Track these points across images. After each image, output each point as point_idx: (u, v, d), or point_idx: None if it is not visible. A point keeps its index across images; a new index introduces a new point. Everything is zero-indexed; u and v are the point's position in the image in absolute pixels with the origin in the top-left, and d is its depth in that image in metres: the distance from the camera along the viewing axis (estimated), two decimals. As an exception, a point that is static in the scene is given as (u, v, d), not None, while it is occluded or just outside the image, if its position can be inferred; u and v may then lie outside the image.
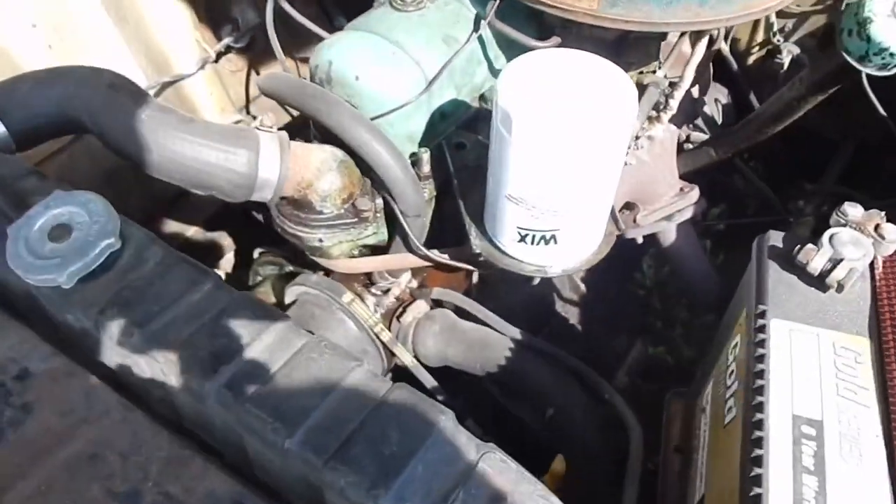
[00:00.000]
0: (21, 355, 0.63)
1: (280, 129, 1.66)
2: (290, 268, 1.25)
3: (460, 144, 0.99)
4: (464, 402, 1.07)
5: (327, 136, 0.94)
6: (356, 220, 0.92)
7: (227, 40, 1.48)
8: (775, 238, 0.69)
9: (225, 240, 1.66)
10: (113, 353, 0.63)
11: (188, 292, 0.64)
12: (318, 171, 0.88)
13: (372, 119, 0.91)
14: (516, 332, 0.99)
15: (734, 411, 0.64)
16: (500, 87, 0.72)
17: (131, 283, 0.64)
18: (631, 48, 1.04)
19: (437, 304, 1.10)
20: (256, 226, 1.34)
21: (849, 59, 0.90)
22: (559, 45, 0.97)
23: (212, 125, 0.85)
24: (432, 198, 0.98)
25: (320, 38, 1.58)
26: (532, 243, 0.81)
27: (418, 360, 1.05)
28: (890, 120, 1.17)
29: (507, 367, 0.96)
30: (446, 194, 0.99)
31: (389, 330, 1.05)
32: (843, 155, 1.31)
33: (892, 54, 0.87)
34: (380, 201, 0.94)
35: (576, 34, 0.98)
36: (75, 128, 0.83)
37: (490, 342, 0.99)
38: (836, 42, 0.93)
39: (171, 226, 1.52)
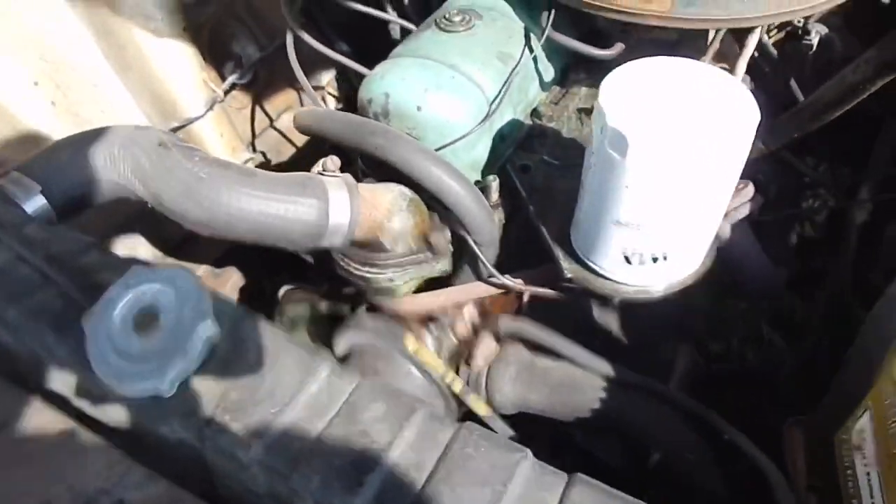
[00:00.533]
0: (112, 483, 0.54)
1: (286, 162, 1.60)
2: (323, 305, 1.17)
3: (525, 167, 0.93)
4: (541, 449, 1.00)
5: (382, 172, 0.87)
6: (430, 255, 0.85)
7: (231, 78, 1.41)
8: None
9: (234, 275, 1.58)
10: (225, 469, 0.55)
11: (305, 383, 0.56)
12: (389, 211, 0.81)
13: (436, 150, 0.85)
14: (607, 367, 0.91)
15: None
16: (605, 106, 0.66)
17: (237, 379, 0.56)
18: (682, 46, 1.00)
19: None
20: (269, 256, 1.26)
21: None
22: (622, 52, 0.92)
23: (275, 176, 0.77)
24: (501, 226, 0.91)
25: (330, 66, 1.52)
26: (638, 263, 0.75)
27: (492, 406, 0.97)
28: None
29: (601, 410, 0.88)
30: (513, 219, 0.93)
31: (457, 374, 0.98)
32: (891, 132, 1.26)
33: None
34: (448, 234, 0.88)
35: (635, 38, 0.93)
36: (123, 192, 0.76)
37: (578, 383, 0.91)
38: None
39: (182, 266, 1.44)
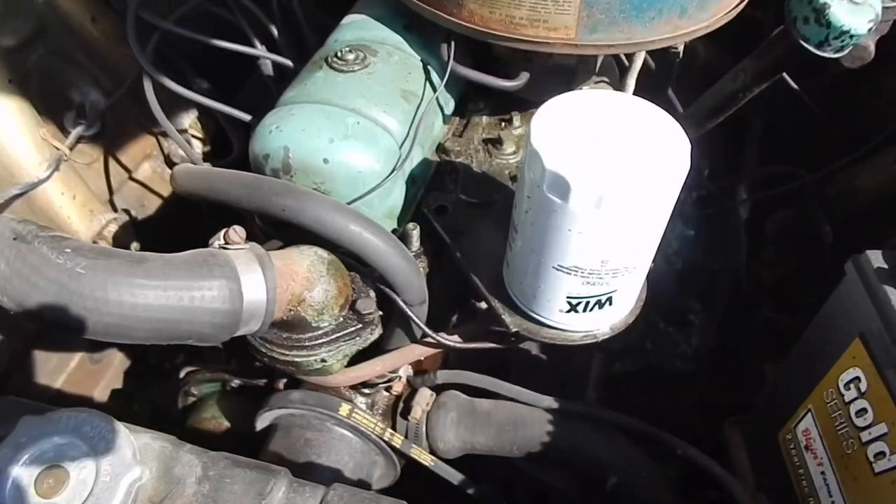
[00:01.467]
0: None
1: (155, 218, 1.44)
2: (237, 382, 1.05)
3: (441, 208, 0.87)
4: (494, 486, 0.95)
5: (288, 231, 0.78)
6: (360, 325, 0.77)
7: (76, 130, 1.24)
8: (877, 258, 0.64)
9: (116, 357, 1.40)
10: None
11: None
12: (308, 280, 0.72)
13: (350, 203, 0.77)
14: (549, 400, 0.88)
15: (890, 458, 0.59)
16: (540, 148, 0.61)
17: None
18: (579, 71, 0.98)
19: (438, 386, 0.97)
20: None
21: (807, 46, 0.89)
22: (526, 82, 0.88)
23: (169, 258, 0.66)
24: (425, 274, 0.85)
25: (190, 105, 1.38)
26: (584, 311, 0.71)
27: (437, 455, 0.91)
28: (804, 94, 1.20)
29: (552, 443, 0.86)
30: (437, 267, 0.87)
31: (395, 430, 0.90)
32: (755, 132, 1.33)
33: (851, 36, 0.86)
34: (374, 295, 0.80)
35: (537, 64, 0.89)
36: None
37: (524, 419, 0.88)
38: (788, 30, 0.91)
39: (50, 362, 1.25)
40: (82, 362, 1.31)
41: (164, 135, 1.42)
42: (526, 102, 0.96)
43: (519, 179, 0.68)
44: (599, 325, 0.75)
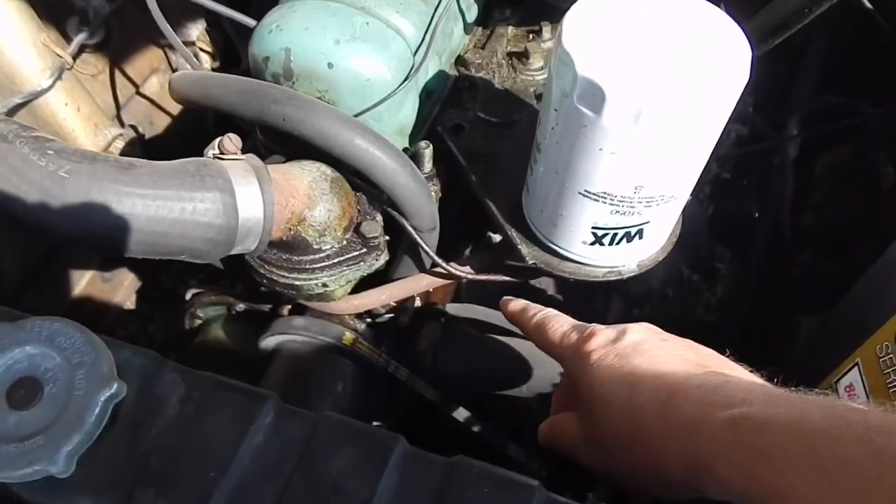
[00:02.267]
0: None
1: (164, 136, 1.39)
2: (241, 306, 1.01)
3: (458, 127, 0.80)
4: (502, 427, 0.91)
5: (291, 145, 0.72)
6: (364, 250, 0.71)
7: (79, 38, 1.17)
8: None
9: (128, 277, 1.37)
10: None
11: (246, 435, 0.43)
12: (309, 198, 0.66)
13: (356, 115, 0.70)
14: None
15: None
16: (573, 51, 0.53)
17: (157, 441, 0.42)
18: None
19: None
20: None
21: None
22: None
23: (158, 166, 0.60)
24: (438, 200, 0.78)
25: (198, 15, 1.30)
26: (611, 244, 0.64)
27: (443, 390, 0.86)
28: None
29: None
30: (451, 191, 0.80)
31: (401, 362, 0.86)
32: (814, 58, 1.21)
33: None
34: (381, 218, 0.74)
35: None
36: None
37: (535, 358, 0.83)
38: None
39: (62, 278, 1.22)
40: (93, 280, 1.28)
41: (170, 47, 1.35)
42: (558, 12, 0.87)
43: (546, 91, 0.60)
44: (626, 260, 0.68)
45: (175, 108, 1.38)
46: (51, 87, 1.11)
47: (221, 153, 0.64)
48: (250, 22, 0.95)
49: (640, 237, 0.64)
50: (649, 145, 0.55)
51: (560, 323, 0.61)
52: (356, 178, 0.71)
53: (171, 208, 0.57)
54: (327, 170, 0.68)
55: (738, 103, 0.55)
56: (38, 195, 0.55)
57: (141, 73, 1.33)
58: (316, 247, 0.68)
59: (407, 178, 0.68)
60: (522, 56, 0.86)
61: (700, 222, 1.33)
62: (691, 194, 1.23)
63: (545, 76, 0.86)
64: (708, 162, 0.60)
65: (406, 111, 0.74)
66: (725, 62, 0.53)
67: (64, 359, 0.41)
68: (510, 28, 0.91)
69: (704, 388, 0.47)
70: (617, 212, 0.60)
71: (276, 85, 0.69)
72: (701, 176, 0.61)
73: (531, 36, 0.91)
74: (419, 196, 0.70)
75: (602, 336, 0.55)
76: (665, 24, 0.55)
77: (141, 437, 0.43)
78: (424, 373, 0.86)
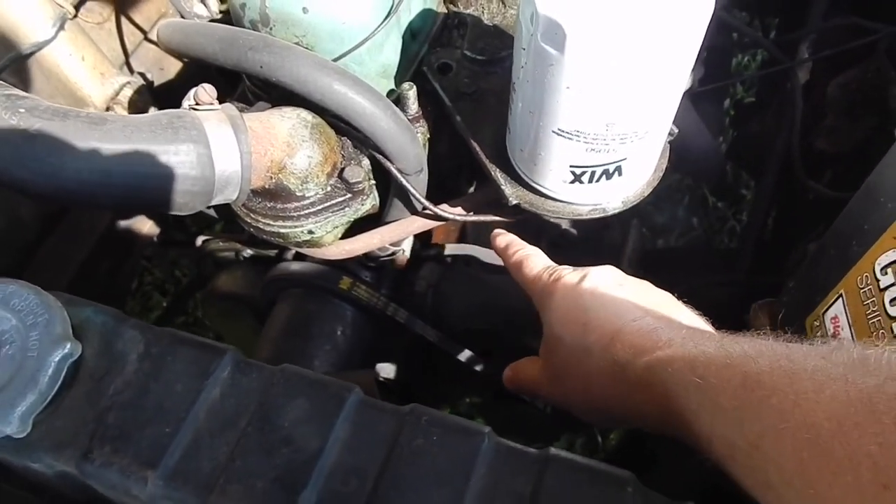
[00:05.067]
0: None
1: (175, 82, 1.39)
2: (249, 252, 1.04)
3: (445, 66, 0.78)
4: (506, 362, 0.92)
5: (276, 92, 0.72)
6: (349, 195, 0.71)
7: (81, -15, 1.17)
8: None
9: (145, 225, 1.40)
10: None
11: (202, 389, 0.44)
12: (289, 145, 0.67)
13: (335, 60, 0.69)
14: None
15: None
16: (537, -10, 0.52)
17: (115, 398, 0.44)
18: None
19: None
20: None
21: None
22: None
23: (131, 119, 0.61)
24: (426, 142, 0.78)
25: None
26: (590, 181, 0.64)
27: (442, 330, 0.88)
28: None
29: None
30: (440, 133, 0.80)
31: (400, 304, 0.87)
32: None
33: None
34: (367, 162, 0.74)
35: None
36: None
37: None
38: None
39: (78, 225, 1.26)
40: (113, 224, 1.31)
41: (168, -6, 1.34)
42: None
43: (516, 29, 0.59)
44: (609, 197, 0.68)
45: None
46: (53, 37, 1.12)
47: (197, 104, 0.64)
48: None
49: (620, 174, 0.63)
50: (615, 81, 0.53)
51: (535, 263, 0.63)
52: (341, 123, 0.71)
53: (144, 161, 0.58)
54: (308, 115, 0.69)
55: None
56: (9, 153, 0.56)
57: (148, 19, 1.32)
58: (299, 194, 0.69)
59: (388, 122, 0.68)
60: (512, -11, 0.84)
61: (718, 148, 1.29)
62: (706, 121, 1.19)
63: (536, 9, 0.84)
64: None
65: (388, 53, 0.73)
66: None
67: (18, 320, 0.43)
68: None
69: (639, 332, 0.49)
70: (592, 150, 0.60)
71: (253, 32, 0.68)
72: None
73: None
74: (402, 139, 0.69)
75: (566, 278, 0.58)
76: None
77: (100, 395, 0.44)
78: (424, 314, 0.88)
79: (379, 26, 0.69)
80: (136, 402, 0.44)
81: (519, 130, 0.65)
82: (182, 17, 1.40)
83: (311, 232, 0.71)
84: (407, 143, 0.70)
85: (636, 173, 0.66)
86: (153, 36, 1.37)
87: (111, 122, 0.59)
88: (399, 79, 0.77)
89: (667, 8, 0.51)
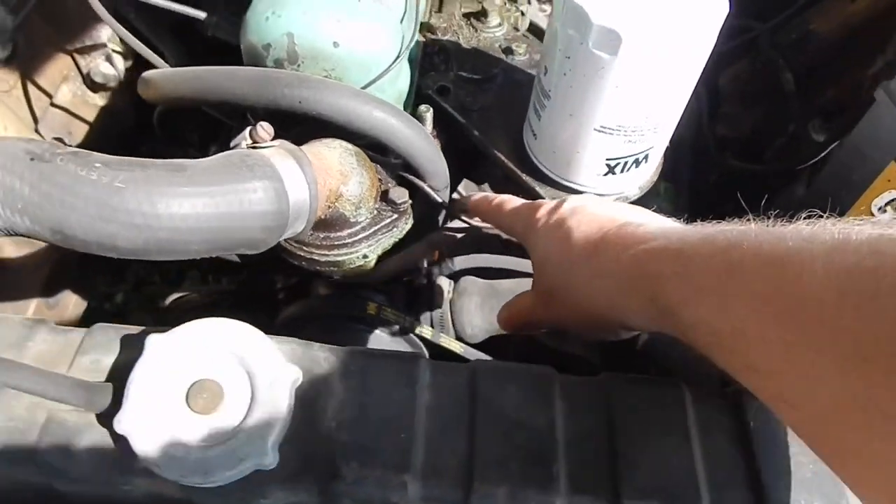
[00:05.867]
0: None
1: (87, 144, 1.33)
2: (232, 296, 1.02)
3: (443, 89, 0.84)
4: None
5: (296, 130, 0.74)
6: (395, 216, 0.74)
7: (-8, 54, 1.10)
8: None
9: (72, 299, 1.31)
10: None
11: (416, 394, 0.46)
12: (342, 174, 0.69)
13: (363, 89, 0.73)
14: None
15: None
16: (586, 3, 0.59)
17: (338, 418, 0.45)
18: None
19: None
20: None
21: None
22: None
23: (205, 164, 0.60)
24: (439, 158, 0.83)
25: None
26: (622, 171, 0.72)
27: (463, 341, 0.92)
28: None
29: None
30: (448, 149, 0.85)
31: (419, 320, 0.90)
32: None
33: None
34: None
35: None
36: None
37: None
38: None
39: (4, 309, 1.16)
40: (39, 308, 1.22)
41: (80, 52, 1.29)
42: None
43: (549, 43, 0.66)
44: (631, 186, 0.76)
45: (90, 115, 1.32)
46: (-31, 109, 1.04)
47: (254, 143, 0.65)
48: (198, 14, 0.94)
49: (646, 161, 0.72)
50: (658, 77, 0.62)
51: (515, 201, 0.66)
52: (368, 150, 0.74)
53: (231, 202, 0.58)
54: (348, 144, 0.71)
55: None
56: (96, 210, 0.54)
57: (53, 83, 1.26)
58: (353, 220, 0.71)
59: (423, 142, 0.72)
60: (480, 15, 0.91)
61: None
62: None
63: (503, 31, 0.92)
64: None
65: (402, 79, 0.78)
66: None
67: (237, 357, 0.43)
68: (457, -10, 0.95)
69: (622, 233, 0.50)
70: (629, 141, 0.68)
71: (283, 70, 0.70)
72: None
73: (483, -4, 0.96)
74: (435, 157, 0.74)
75: (546, 206, 0.60)
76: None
77: (320, 418, 0.45)
78: (444, 329, 0.91)
79: (400, 53, 0.74)
80: (360, 417, 0.45)
81: (550, 133, 0.72)
82: (90, 78, 1.35)
83: (365, 256, 0.73)
84: (438, 160, 0.75)
85: (654, 160, 0.75)
86: (58, 100, 1.30)
87: (190, 168, 0.59)
88: (407, 104, 0.81)
89: (696, 9, 0.60)
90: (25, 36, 1.17)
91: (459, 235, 0.84)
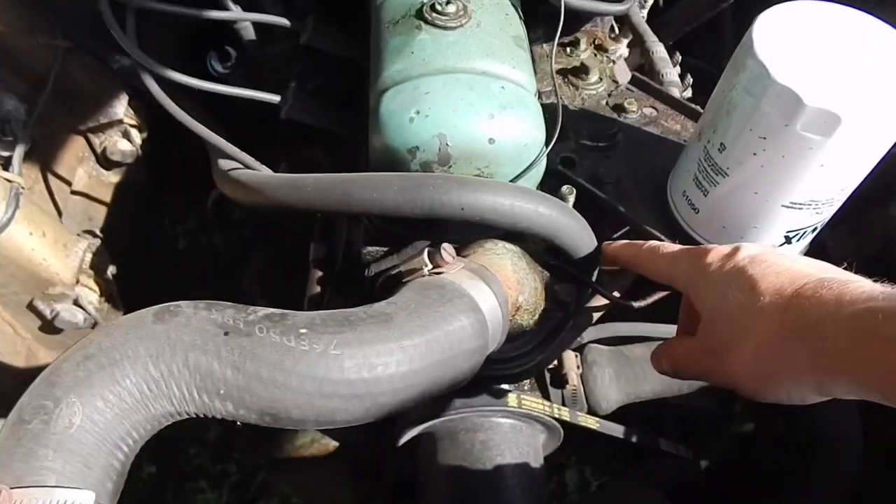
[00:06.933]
0: None
1: (105, 228, 1.22)
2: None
3: (567, 160, 0.78)
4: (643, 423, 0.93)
5: (433, 231, 0.67)
6: (562, 314, 0.69)
7: (18, 151, 1.01)
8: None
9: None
10: None
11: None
12: (518, 283, 0.63)
13: (512, 181, 0.67)
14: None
15: None
16: (794, 85, 0.55)
17: None
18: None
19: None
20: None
21: None
22: None
23: (408, 305, 0.53)
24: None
25: (117, 88, 1.14)
26: (797, 240, 0.68)
27: (597, 415, 0.87)
28: None
29: None
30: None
31: (550, 399, 0.85)
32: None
33: None
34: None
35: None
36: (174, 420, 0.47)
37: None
38: None
39: None
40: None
41: (94, 130, 1.19)
42: (576, 18, 0.88)
43: (737, 121, 0.61)
44: (797, 251, 0.72)
45: (105, 195, 1.22)
46: (11, 217, 0.94)
47: (436, 266, 0.58)
48: (272, 98, 0.86)
49: (816, 230, 0.68)
50: (865, 151, 0.58)
51: (671, 247, 0.61)
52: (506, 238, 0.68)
53: (444, 348, 0.52)
54: (513, 246, 0.65)
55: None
56: (314, 387, 0.47)
57: (70, 169, 1.16)
58: (528, 328, 0.65)
59: (585, 233, 0.67)
60: (580, 72, 0.86)
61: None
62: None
63: (604, 87, 0.87)
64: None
65: (543, 164, 0.72)
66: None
67: None
68: (545, 45, 0.90)
69: (827, 289, 0.46)
70: (817, 213, 0.64)
71: (436, 174, 0.63)
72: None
73: (569, 50, 0.91)
74: (590, 241, 0.68)
75: (716, 251, 0.55)
76: (842, 44, 0.58)
77: None
78: (577, 404, 0.86)
79: (549, 137, 0.68)
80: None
81: (723, 209, 0.67)
82: (104, 156, 1.24)
83: (539, 363, 0.67)
84: (595, 248, 0.69)
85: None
86: (77, 185, 1.21)
87: (396, 317, 0.51)
88: (540, 183, 0.75)
89: (889, 81, 0.57)
90: (42, 124, 1.07)
91: (599, 314, 0.79)
